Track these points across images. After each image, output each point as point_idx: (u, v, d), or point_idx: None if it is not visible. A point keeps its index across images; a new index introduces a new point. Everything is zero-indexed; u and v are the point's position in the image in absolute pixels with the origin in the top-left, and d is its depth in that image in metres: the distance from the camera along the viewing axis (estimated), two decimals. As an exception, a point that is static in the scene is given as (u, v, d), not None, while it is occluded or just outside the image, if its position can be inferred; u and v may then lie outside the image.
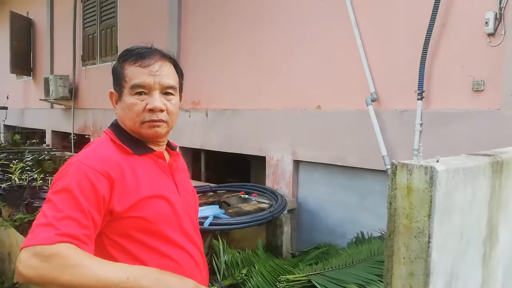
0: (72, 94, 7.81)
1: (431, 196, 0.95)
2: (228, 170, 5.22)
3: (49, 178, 3.05)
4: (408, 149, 2.96)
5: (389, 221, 1.00)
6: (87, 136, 7.70)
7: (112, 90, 1.16)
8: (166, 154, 1.22)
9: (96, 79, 7.27)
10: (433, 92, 2.90)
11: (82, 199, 0.96)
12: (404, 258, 1.00)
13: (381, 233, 3.15)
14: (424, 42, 2.83)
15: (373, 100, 3.16)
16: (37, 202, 2.55)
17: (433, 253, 0.97)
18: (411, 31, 2.98)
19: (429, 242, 0.96)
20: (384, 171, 3.11)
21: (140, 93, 1.09)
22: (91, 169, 1.00)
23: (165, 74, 1.11)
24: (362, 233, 3.26)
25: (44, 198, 2.71)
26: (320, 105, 3.59)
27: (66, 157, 5.81)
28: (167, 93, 1.12)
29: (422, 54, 2.85)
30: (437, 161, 1.00)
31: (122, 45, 6.50)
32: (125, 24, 6.47)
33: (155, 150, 1.16)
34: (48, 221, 0.92)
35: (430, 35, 2.81)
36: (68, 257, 0.88)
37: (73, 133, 7.80)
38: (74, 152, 7.43)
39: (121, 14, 6.52)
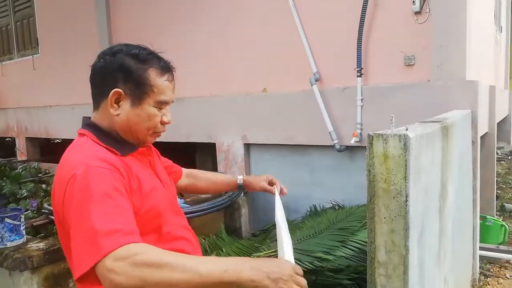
0: (-13, 94, 7.08)
1: (405, 160, 1.08)
2: (174, 161, 5.15)
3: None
4: (351, 123, 3.17)
5: (369, 186, 1.11)
6: (9, 139, 7.06)
7: (118, 89, 1.05)
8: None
9: (16, 75, 6.65)
10: (371, 69, 3.12)
11: (117, 196, 0.93)
12: (385, 217, 1.13)
13: (332, 204, 3.37)
14: (360, 21, 3.02)
15: (316, 80, 3.32)
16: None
17: (411, 210, 1.10)
18: (347, 12, 3.15)
19: (406, 201, 1.09)
20: (331, 146, 3.31)
21: (161, 107, 1.11)
22: (105, 169, 0.96)
23: None
24: (314, 206, 3.45)
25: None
26: (265, 88, 3.67)
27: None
28: None
29: (358, 33, 3.04)
30: (406, 129, 1.13)
31: (44, 36, 6.01)
32: (44, 14, 5.96)
33: (137, 148, 1.15)
34: (107, 228, 0.86)
35: (365, 15, 3.00)
36: (156, 256, 0.82)
37: (-6, 137, 7.11)
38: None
39: (39, 2, 5.99)
